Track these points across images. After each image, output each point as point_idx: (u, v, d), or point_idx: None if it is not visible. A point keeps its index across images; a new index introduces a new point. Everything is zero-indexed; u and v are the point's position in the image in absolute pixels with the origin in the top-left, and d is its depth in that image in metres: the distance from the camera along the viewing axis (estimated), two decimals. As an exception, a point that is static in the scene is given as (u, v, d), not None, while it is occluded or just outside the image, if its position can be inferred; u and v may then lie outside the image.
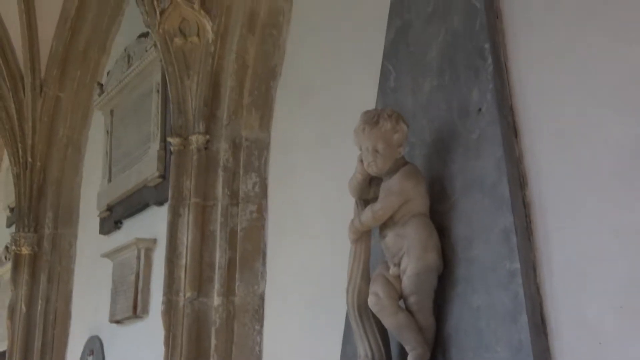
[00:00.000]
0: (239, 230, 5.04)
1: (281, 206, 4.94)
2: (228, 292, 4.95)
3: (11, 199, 8.69)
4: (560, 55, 2.93)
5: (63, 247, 7.89)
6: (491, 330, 2.84)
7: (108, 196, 6.93)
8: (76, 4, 7.55)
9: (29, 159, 7.84)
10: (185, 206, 5.06)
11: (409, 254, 3.07)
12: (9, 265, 8.26)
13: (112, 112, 7.20)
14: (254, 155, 5.11)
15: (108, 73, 7.43)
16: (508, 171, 2.95)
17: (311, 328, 4.37)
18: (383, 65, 3.77)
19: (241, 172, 5.10)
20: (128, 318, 6.26)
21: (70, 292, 7.79)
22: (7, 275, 8.25)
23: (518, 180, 2.99)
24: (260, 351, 4.87)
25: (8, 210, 9.26)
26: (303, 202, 4.68)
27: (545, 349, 2.72)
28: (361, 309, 3.18)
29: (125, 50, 6.91)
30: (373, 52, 3.90)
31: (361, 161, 3.21)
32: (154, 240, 6.13)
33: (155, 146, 6.11)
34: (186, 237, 5.02)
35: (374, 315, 3.15)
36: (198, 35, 5.17)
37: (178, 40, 5.21)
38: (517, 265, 2.79)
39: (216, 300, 4.93)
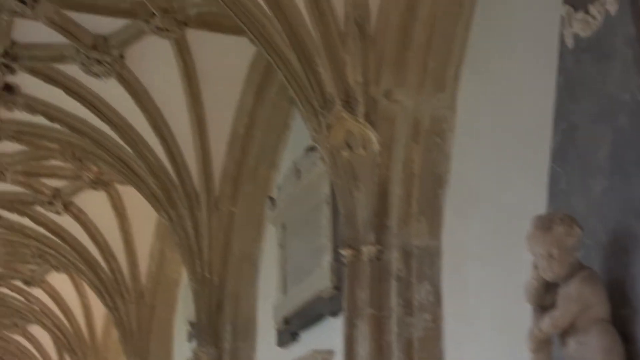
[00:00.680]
0: (414, 340, 5.08)
1: (456, 315, 4.97)
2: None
3: (191, 314, 9.15)
4: None
5: (243, 362, 8.22)
6: None
7: (284, 308, 7.19)
8: (245, 123, 8.05)
9: (207, 275, 8.29)
10: (360, 317, 5.17)
11: (593, 363, 3.02)
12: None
13: (284, 225, 7.53)
14: (425, 264, 5.19)
15: (278, 187, 7.82)
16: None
17: None
18: (551, 168, 3.80)
19: (414, 281, 5.17)
20: None
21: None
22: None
23: None
24: None
25: (188, 325, 9.73)
26: (478, 309, 4.69)
27: None
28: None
29: (293, 164, 7.26)
30: (539, 155, 3.94)
31: (536, 267, 3.22)
32: (331, 352, 6.27)
33: (327, 258, 6.33)
34: (363, 349, 5.11)
35: None
36: (364, 147, 5.35)
37: (345, 153, 5.40)
38: None
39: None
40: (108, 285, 11.33)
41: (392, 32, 5.30)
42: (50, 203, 11.11)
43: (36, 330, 16.59)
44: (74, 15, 7.29)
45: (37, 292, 14.83)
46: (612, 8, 3.35)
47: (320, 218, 6.56)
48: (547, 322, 3.16)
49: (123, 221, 11.06)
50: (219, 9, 6.49)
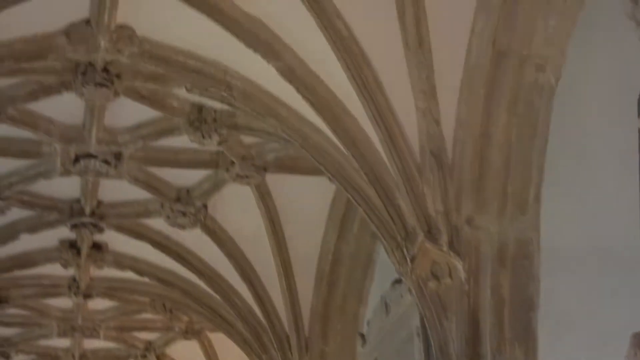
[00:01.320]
0: None
1: None
2: None
3: None
4: None
5: None
6: None
7: None
8: (330, 261, 8.16)
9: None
10: None
11: None
12: None
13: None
14: (523, 391, 5.09)
15: (368, 322, 7.82)
16: None
17: None
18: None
19: (512, 409, 5.07)
20: None
21: None
22: None
23: None
24: None
25: None
26: None
27: None
28: None
29: (381, 298, 7.28)
30: (631, 271, 3.92)
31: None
32: None
33: (423, 390, 6.26)
34: None
35: None
36: (450, 276, 5.35)
37: (431, 284, 5.39)
38: None
39: None
40: None
41: (469, 159, 5.36)
42: (144, 356, 11.32)
43: None
44: (156, 171, 7.64)
45: None
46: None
47: (412, 351, 6.53)
48: None
49: (216, 369, 11.17)
50: (296, 152, 6.75)
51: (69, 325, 10.95)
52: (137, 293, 9.83)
